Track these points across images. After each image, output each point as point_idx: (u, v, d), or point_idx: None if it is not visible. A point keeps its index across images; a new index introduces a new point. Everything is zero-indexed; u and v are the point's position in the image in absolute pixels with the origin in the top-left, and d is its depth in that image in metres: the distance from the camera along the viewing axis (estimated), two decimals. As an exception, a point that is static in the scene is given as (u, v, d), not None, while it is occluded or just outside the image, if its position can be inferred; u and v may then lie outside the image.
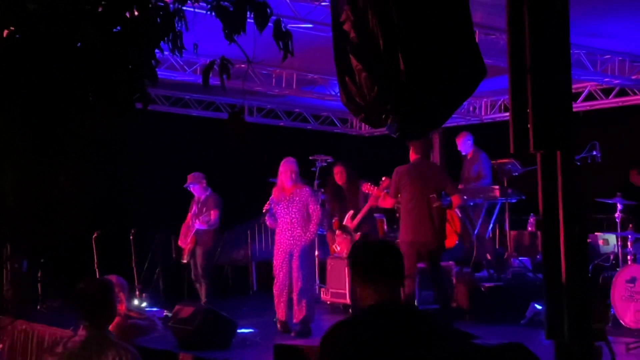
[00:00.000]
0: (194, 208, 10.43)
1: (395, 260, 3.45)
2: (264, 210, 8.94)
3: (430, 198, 8.29)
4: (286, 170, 8.71)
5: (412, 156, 8.49)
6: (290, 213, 8.65)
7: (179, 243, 10.64)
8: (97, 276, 10.14)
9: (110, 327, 4.73)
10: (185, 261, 10.47)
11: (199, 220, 10.12)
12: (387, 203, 8.84)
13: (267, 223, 8.99)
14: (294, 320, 8.59)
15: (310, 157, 12.14)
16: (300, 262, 8.55)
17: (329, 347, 3.30)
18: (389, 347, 3.15)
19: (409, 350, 3.15)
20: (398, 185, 8.36)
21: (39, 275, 11.13)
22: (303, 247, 8.58)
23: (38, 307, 10.79)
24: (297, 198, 8.65)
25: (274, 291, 8.76)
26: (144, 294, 11.08)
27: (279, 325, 8.71)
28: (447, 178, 8.71)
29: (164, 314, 9.43)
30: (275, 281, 8.74)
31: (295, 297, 8.57)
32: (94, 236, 11.11)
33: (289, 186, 8.69)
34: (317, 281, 11.33)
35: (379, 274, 3.39)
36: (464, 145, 11.61)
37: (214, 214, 10.20)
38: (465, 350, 3.48)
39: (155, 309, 10.01)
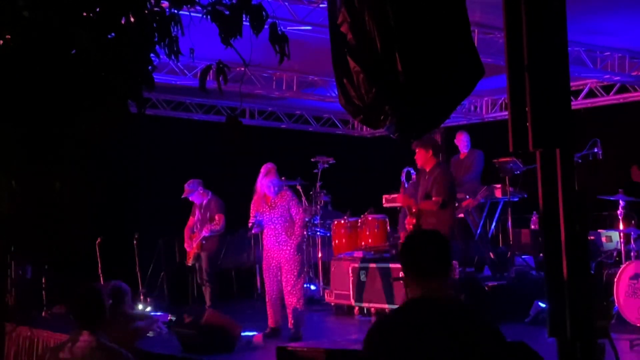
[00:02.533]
0: (197, 213, 10.46)
1: (439, 253, 3.39)
2: (249, 226, 8.92)
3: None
4: (265, 184, 8.72)
5: (432, 160, 8.43)
6: (273, 220, 8.68)
7: (185, 246, 10.67)
8: (102, 281, 10.17)
9: (115, 333, 4.74)
10: (189, 264, 10.49)
11: (206, 228, 10.17)
12: (437, 206, 8.39)
13: (254, 232, 9.03)
14: (289, 325, 8.61)
15: (312, 159, 12.15)
16: (288, 267, 8.56)
17: (370, 343, 3.32)
18: (419, 342, 3.15)
19: (440, 345, 3.15)
20: (453, 186, 8.40)
21: (43, 281, 11.14)
22: (290, 251, 8.59)
23: (43, 313, 10.80)
24: (279, 203, 8.67)
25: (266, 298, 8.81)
26: (148, 299, 11.09)
27: (268, 331, 8.68)
28: None
29: (169, 318, 9.45)
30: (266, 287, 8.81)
31: (286, 301, 8.60)
32: (97, 242, 11.13)
33: (271, 195, 8.74)
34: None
35: (418, 268, 3.35)
36: (465, 143, 11.63)
37: (219, 219, 10.24)
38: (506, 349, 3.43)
39: (159, 313, 10.02)
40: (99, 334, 4.48)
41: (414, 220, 8.33)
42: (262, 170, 8.81)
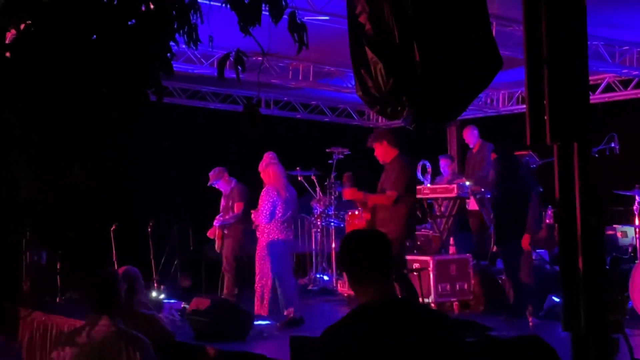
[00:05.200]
0: (222, 202, 10.51)
1: (385, 253, 3.22)
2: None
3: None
4: (263, 173, 8.82)
5: (391, 153, 8.06)
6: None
7: (208, 234, 10.72)
8: (116, 268, 10.21)
9: (132, 322, 4.80)
10: (218, 251, 10.54)
11: (217, 219, 10.26)
12: (390, 200, 8.01)
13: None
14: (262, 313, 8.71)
15: (327, 150, 12.15)
16: (260, 259, 8.69)
17: (325, 352, 3.14)
18: (383, 347, 3.03)
19: (405, 348, 3.03)
20: (410, 180, 8.02)
21: (57, 267, 11.20)
22: (262, 243, 8.67)
23: (57, 299, 10.87)
24: (261, 196, 8.75)
25: None
26: (162, 286, 11.13)
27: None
28: None
29: (182, 305, 9.48)
30: None
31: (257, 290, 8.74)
32: (112, 228, 11.18)
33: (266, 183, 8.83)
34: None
35: (374, 270, 3.16)
36: (471, 137, 11.64)
37: (237, 207, 10.30)
38: (473, 343, 3.34)
39: (173, 301, 10.06)
40: (116, 319, 4.52)
41: (369, 216, 8.12)
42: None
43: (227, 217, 10.29)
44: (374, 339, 3.02)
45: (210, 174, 10.46)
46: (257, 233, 8.82)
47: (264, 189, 8.69)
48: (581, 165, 3.58)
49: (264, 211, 8.58)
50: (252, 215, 8.83)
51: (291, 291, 8.72)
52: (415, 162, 10.54)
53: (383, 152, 8.12)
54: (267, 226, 8.65)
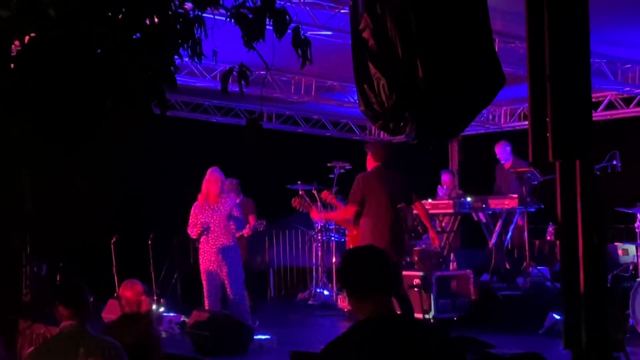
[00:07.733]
0: None
1: (384, 269, 3.23)
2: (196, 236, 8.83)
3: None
4: (214, 179, 8.70)
5: (372, 163, 8.08)
6: (213, 222, 8.63)
7: None
8: (116, 281, 10.20)
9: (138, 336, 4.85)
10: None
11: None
12: (348, 213, 8.19)
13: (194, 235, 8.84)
14: None
15: (329, 164, 12.16)
16: (228, 270, 8.54)
17: None
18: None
19: None
20: (364, 193, 7.86)
21: (58, 279, 11.18)
22: (230, 254, 8.57)
23: (57, 311, 10.84)
24: (221, 207, 8.63)
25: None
26: (161, 299, 11.10)
27: None
28: (412, 186, 8.29)
29: (181, 319, 9.46)
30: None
31: (229, 306, 8.59)
32: (112, 241, 11.16)
33: (215, 195, 8.67)
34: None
35: (374, 285, 3.17)
36: (504, 154, 11.55)
37: (252, 220, 10.45)
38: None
39: (172, 314, 10.04)
40: (86, 325, 4.58)
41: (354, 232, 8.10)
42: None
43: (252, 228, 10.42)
44: (374, 355, 3.02)
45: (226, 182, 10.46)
46: (219, 245, 8.61)
47: (239, 200, 8.66)
48: (583, 182, 3.58)
49: (243, 221, 8.61)
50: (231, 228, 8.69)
51: (246, 310, 8.67)
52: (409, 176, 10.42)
53: (367, 163, 8.18)
54: (233, 237, 8.64)
